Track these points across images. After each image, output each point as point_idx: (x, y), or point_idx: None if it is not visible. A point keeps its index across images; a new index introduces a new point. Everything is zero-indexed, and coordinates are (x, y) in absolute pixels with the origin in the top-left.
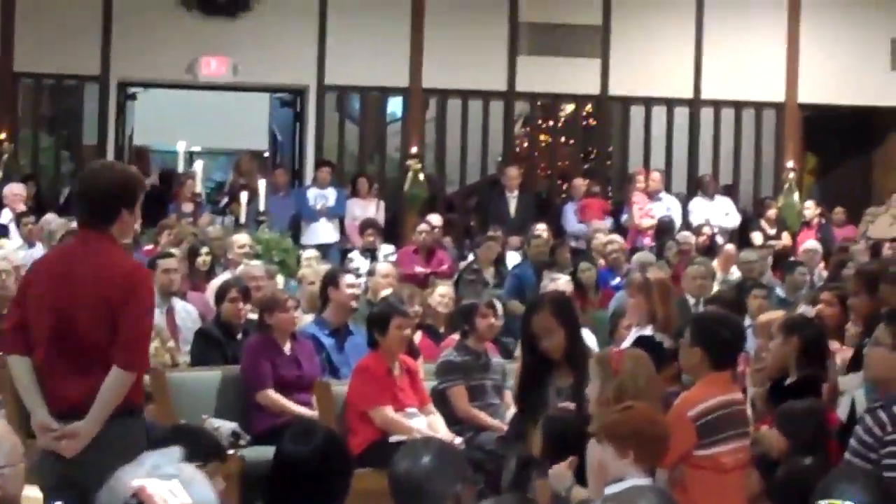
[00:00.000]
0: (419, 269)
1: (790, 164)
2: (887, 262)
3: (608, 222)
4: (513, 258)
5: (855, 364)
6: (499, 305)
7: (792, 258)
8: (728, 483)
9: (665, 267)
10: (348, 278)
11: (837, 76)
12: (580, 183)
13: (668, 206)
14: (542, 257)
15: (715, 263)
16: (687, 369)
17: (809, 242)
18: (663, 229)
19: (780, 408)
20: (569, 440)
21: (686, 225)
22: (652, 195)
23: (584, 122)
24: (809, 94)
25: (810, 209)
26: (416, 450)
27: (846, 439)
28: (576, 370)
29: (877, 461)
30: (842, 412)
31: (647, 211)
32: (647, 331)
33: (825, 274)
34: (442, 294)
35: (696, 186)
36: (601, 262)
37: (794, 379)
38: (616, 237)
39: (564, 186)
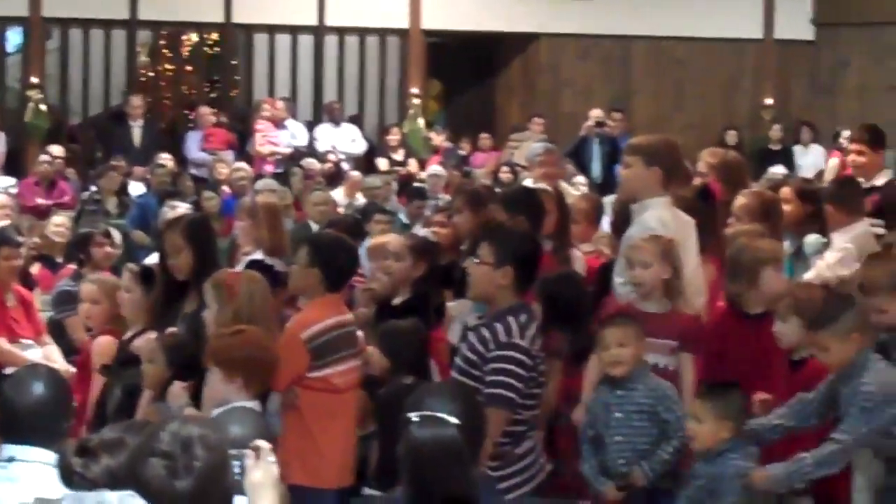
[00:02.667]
0: (40, 201)
1: (415, 90)
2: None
3: (230, 154)
4: (137, 188)
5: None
6: (116, 234)
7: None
8: (340, 403)
9: (289, 194)
10: None
11: (461, 3)
12: (206, 112)
13: (292, 134)
14: (164, 187)
15: (341, 189)
16: (301, 290)
17: (433, 168)
18: (288, 157)
19: (382, 327)
20: (189, 364)
21: (312, 152)
22: (277, 123)
23: (209, 51)
24: (433, 20)
25: (436, 136)
26: (26, 379)
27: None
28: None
29: (480, 378)
30: (453, 335)
31: (271, 138)
32: (258, 255)
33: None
34: (57, 224)
35: (322, 114)
36: (227, 189)
37: (403, 299)
38: (243, 165)
39: (191, 116)
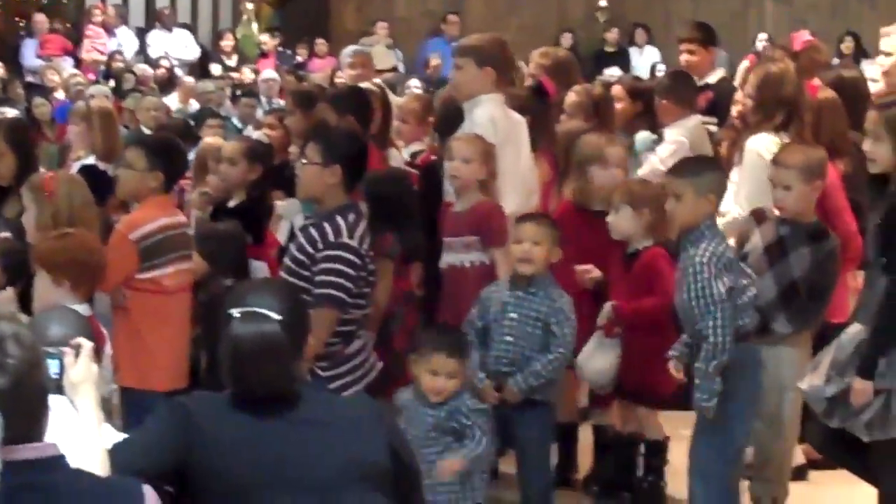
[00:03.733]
0: None
1: None
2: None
3: (69, 60)
4: None
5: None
6: None
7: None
8: (171, 305)
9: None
10: None
11: None
12: (40, 19)
13: (120, 42)
14: None
15: (174, 95)
16: (133, 194)
17: (267, 72)
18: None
19: (199, 231)
20: (14, 269)
21: (145, 58)
22: (108, 29)
23: None
24: None
25: (267, 40)
26: None
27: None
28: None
29: (309, 278)
30: (281, 236)
31: (98, 46)
32: (91, 160)
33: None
34: None
35: (154, 20)
36: (61, 96)
37: (238, 202)
38: (78, 71)
39: (22, 24)
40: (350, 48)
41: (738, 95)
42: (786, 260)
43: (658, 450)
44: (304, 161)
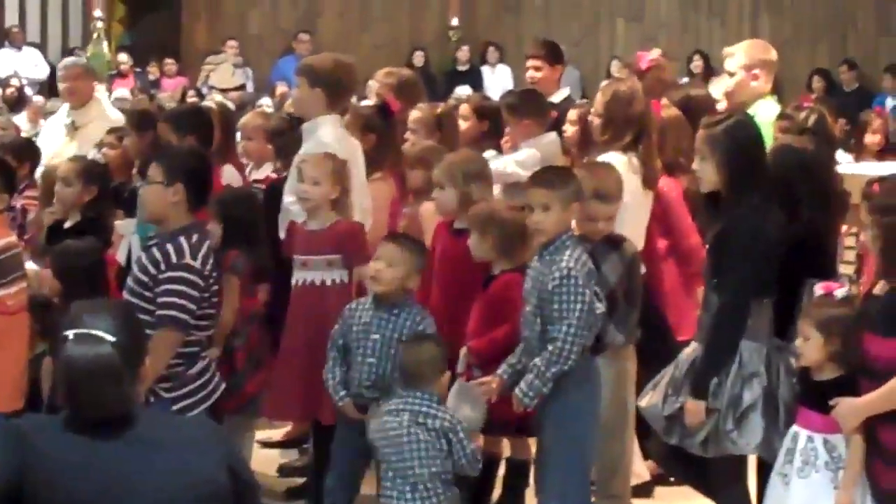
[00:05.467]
0: None
1: (97, 13)
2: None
3: None
4: None
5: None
6: None
7: None
8: (13, 325)
9: None
10: None
11: None
12: None
13: None
14: None
15: (24, 115)
16: None
17: (119, 91)
18: None
19: (55, 248)
20: None
21: None
22: None
23: None
24: None
25: (124, 60)
26: None
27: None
28: None
29: (152, 299)
30: (121, 256)
31: None
32: None
33: None
34: None
35: (2, 38)
36: None
37: (74, 222)
38: None
39: None
40: (65, 60)
41: (572, 115)
42: (601, 271)
43: (521, 472)
44: (145, 181)
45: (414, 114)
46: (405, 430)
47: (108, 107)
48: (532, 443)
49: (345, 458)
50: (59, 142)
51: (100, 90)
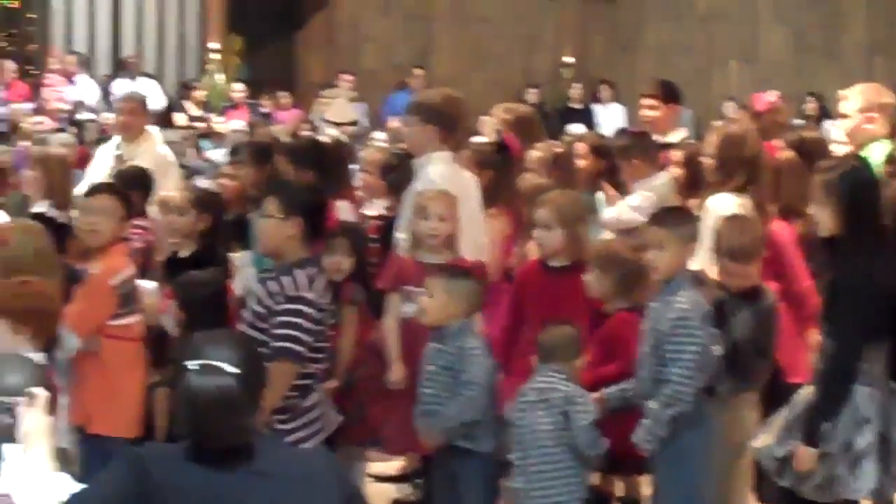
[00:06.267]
0: None
1: (214, 45)
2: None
3: (28, 105)
4: None
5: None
6: None
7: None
8: (137, 352)
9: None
10: None
11: None
12: (8, 66)
13: (81, 90)
14: None
15: None
16: (98, 240)
17: (235, 122)
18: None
19: (177, 278)
20: None
21: (109, 106)
22: (68, 77)
23: (6, 4)
24: None
25: (238, 91)
26: None
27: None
28: None
29: (268, 331)
30: (238, 287)
31: (58, 94)
32: (42, 207)
33: None
34: None
35: (119, 68)
36: (26, 143)
37: (190, 252)
38: (43, 118)
39: None
40: (124, 93)
41: (679, 156)
42: (727, 324)
43: None
44: (262, 214)
45: (533, 153)
46: (530, 405)
47: (159, 144)
48: (644, 482)
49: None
50: (104, 172)
51: (153, 129)
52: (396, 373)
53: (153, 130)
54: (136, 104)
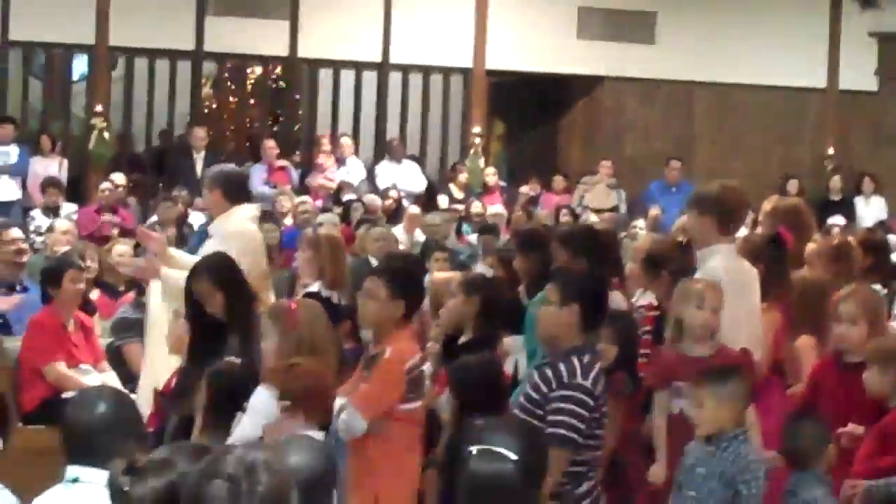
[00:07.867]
0: (105, 218)
1: (477, 129)
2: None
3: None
4: (198, 218)
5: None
6: None
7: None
8: (419, 437)
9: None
10: (13, 232)
11: (524, 43)
12: (270, 146)
13: (349, 171)
14: None
15: (400, 226)
16: (378, 322)
17: (495, 207)
18: (336, 192)
19: (453, 364)
20: (234, 393)
21: (373, 188)
22: (338, 159)
23: (273, 84)
24: (497, 60)
25: (491, 175)
26: (91, 398)
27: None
28: (242, 328)
29: (542, 417)
30: (507, 371)
31: (329, 175)
32: (315, 287)
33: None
34: (120, 253)
35: (383, 150)
36: (288, 222)
37: (469, 337)
38: (307, 198)
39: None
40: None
41: None
42: None
43: None
44: (544, 302)
45: (811, 245)
46: None
47: (240, 222)
48: None
49: None
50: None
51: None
52: (658, 473)
53: (241, 211)
54: None
